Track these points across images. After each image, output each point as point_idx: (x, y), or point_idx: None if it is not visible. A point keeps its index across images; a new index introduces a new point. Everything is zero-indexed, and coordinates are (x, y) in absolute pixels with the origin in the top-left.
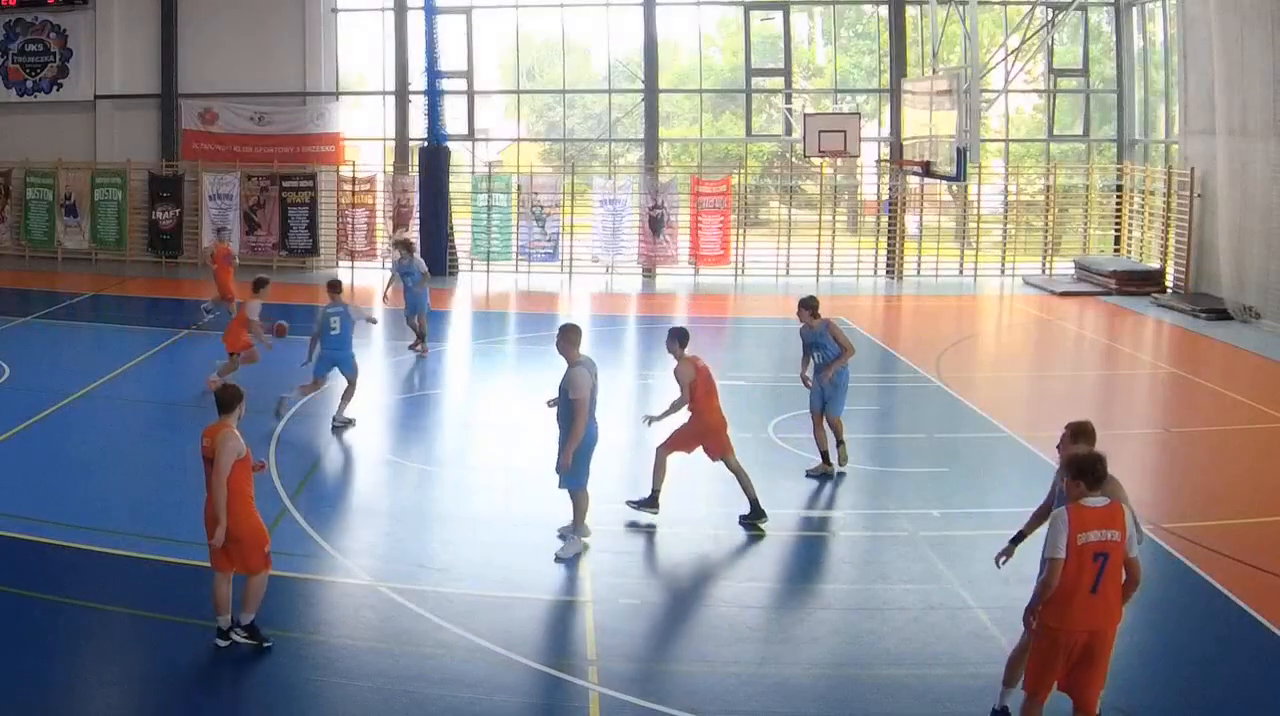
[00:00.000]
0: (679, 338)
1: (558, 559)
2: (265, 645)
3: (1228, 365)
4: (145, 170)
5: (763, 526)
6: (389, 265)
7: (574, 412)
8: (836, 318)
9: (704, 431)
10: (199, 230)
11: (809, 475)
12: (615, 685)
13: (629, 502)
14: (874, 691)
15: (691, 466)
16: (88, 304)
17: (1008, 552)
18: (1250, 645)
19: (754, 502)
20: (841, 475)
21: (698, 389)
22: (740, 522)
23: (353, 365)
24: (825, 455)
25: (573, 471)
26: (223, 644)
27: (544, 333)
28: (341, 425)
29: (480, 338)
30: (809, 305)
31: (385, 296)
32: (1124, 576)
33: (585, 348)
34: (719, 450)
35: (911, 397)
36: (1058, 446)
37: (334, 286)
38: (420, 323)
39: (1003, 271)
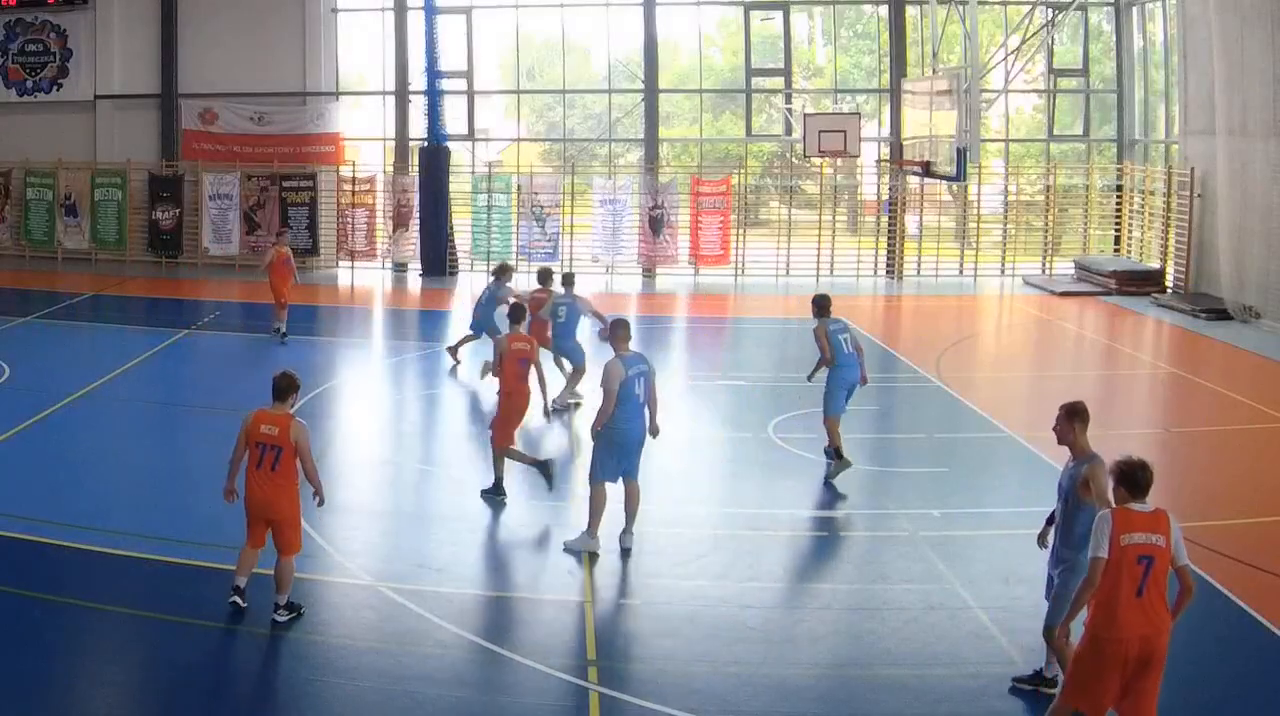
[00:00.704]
0: (510, 312)
1: (566, 547)
2: (302, 612)
3: (1228, 365)
4: (145, 170)
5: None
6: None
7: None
8: (830, 320)
9: (513, 413)
10: (199, 230)
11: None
12: (615, 685)
13: (483, 492)
14: (874, 691)
15: (689, 467)
16: (88, 304)
17: (1044, 535)
18: (1250, 645)
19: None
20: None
21: (508, 367)
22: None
23: (580, 354)
24: (837, 451)
25: (597, 463)
26: (236, 600)
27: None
28: (562, 408)
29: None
30: (815, 302)
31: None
32: (1178, 586)
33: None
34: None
35: (911, 397)
36: (1054, 427)
37: (567, 279)
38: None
39: (1003, 271)
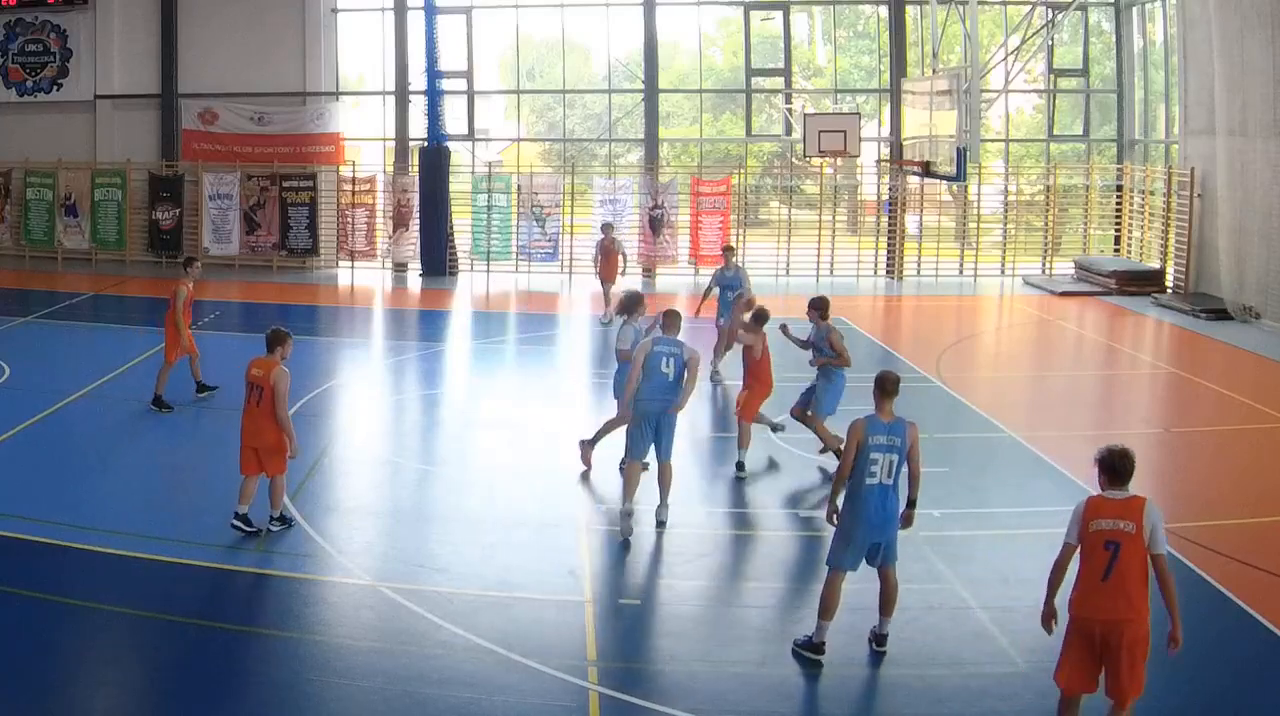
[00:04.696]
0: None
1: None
2: (292, 525)
3: (1228, 365)
4: (145, 170)
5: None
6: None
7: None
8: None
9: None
10: (199, 230)
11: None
12: (615, 685)
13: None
14: (874, 691)
15: (690, 467)
16: (88, 304)
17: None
18: (1250, 645)
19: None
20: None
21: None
22: None
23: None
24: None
25: (629, 439)
26: (239, 525)
27: (544, 333)
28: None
29: (480, 337)
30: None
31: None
32: (1155, 575)
33: (585, 346)
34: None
35: (911, 397)
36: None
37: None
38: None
39: (1003, 271)
